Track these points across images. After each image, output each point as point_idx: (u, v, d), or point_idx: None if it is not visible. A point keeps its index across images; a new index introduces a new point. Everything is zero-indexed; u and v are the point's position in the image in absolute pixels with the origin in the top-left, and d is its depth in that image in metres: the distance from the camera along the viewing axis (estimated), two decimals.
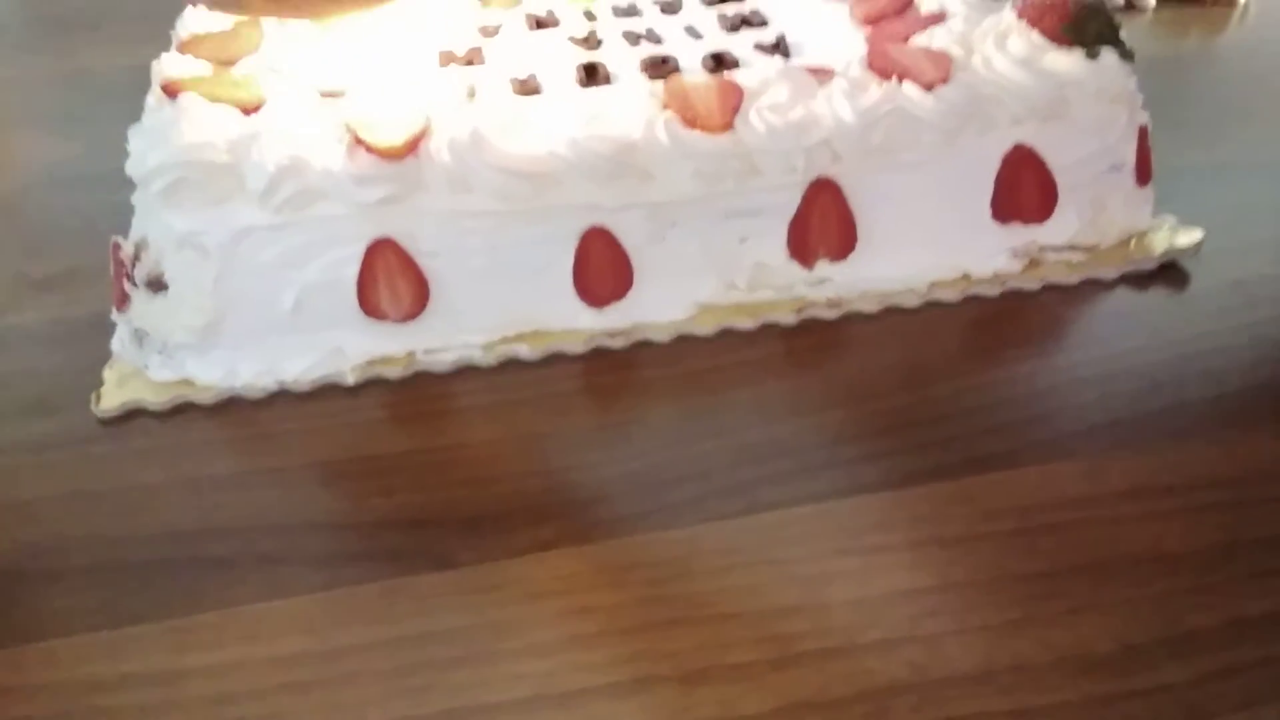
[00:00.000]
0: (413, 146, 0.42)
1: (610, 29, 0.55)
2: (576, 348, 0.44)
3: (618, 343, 0.44)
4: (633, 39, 0.54)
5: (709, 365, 0.43)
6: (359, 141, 0.42)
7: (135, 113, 0.48)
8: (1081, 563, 0.34)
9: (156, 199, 0.41)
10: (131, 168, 0.42)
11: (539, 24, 0.56)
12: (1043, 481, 0.37)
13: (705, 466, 0.38)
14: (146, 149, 0.42)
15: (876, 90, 0.44)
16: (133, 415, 0.42)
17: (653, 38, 0.54)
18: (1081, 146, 0.46)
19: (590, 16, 0.57)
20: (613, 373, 0.43)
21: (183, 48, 0.51)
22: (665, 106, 0.44)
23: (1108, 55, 0.45)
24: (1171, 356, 0.42)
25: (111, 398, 0.42)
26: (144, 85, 0.49)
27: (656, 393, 0.42)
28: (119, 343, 0.44)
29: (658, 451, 0.39)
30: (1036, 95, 0.44)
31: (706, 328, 0.45)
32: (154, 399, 0.42)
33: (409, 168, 0.42)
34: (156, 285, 0.42)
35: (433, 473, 0.39)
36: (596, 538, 0.36)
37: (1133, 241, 0.47)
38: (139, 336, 0.43)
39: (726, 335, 0.45)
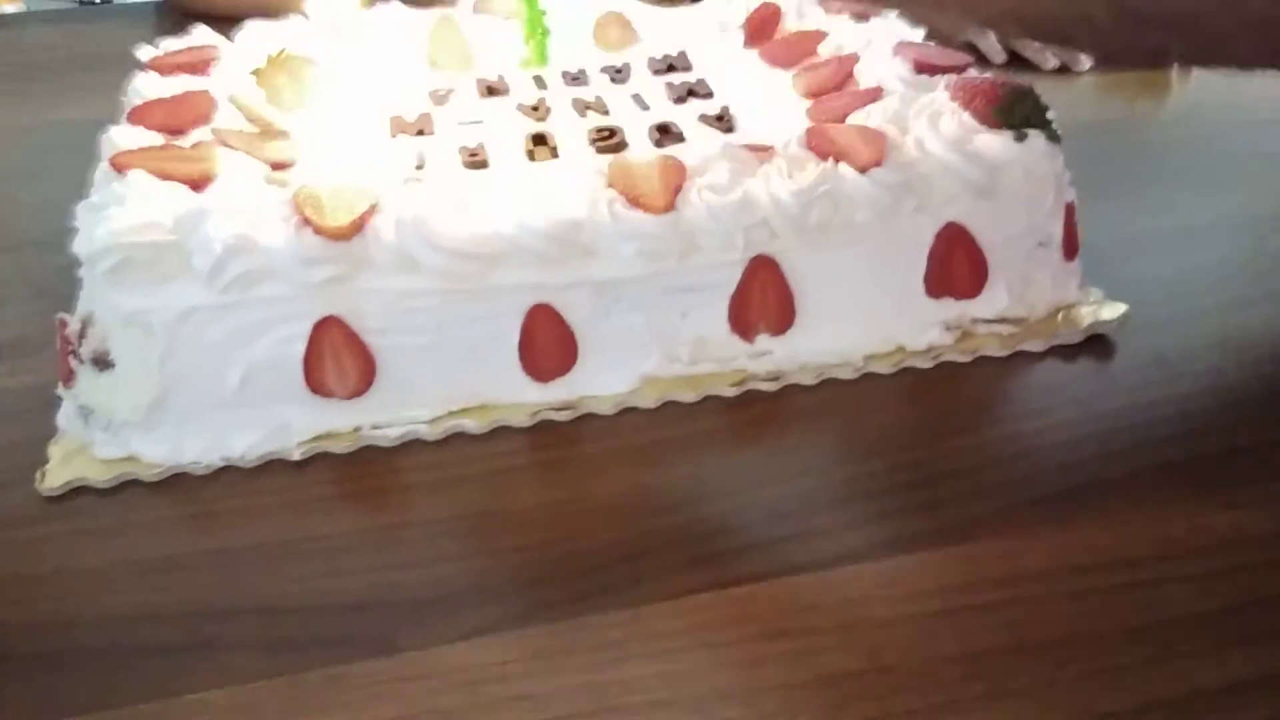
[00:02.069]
0: (359, 227, 0.42)
1: (559, 97, 0.56)
2: (522, 421, 0.45)
3: (563, 416, 0.45)
4: (581, 109, 0.55)
5: (651, 439, 0.44)
6: (306, 221, 0.42)
7: (86, 169, 0.48)
8: (1002, 645, 0.35)
9: (102, 278, 0.42)
10: (78, 246, 0.42)
11: (489, 90, 0.57)
12: (968, 560, 0.38)
13: (644, 546, 0.39)
14: (93, 227, 0.42)
15: (814, 170, 0.45)
16: (77, 493, 0.42)
17: (600, 107, 0.55)
18: (1011, 224, 0.47)
19: (540, 83, 0.58)
20: (557, 447, 0.44)
21: (133, 116, 0.51)
22: (610, 185, 0.45)
23: (1035, 137, 0.47)
24: (1095, 431, 0.44)
25: (56, 475, 0.42)
26: (95, 139, 0.49)
27: (599, 468, 0.43)
28: (64, 417, 0.44)
29: (597, 531, 0.40)
30: (967, 176, 0.46)
31: (649, 400, 0.46)
32: (98, 477, 0.42)
33: (355, 247, 0.42)
34: (102, 363, 0.42)
35: (377, 553, 0.39)
36: (535, 622, 0.36)
37: (1060, 315, 0.49)
38: (84, 413, 0.43)
39: (669, 407, 0.46)
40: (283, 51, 0.55)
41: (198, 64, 0.56)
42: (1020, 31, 0.36)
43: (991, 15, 0.35)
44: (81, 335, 0.43)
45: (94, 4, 1.67)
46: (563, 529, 0.40)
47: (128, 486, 0.42)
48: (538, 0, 0.58)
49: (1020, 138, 0.47)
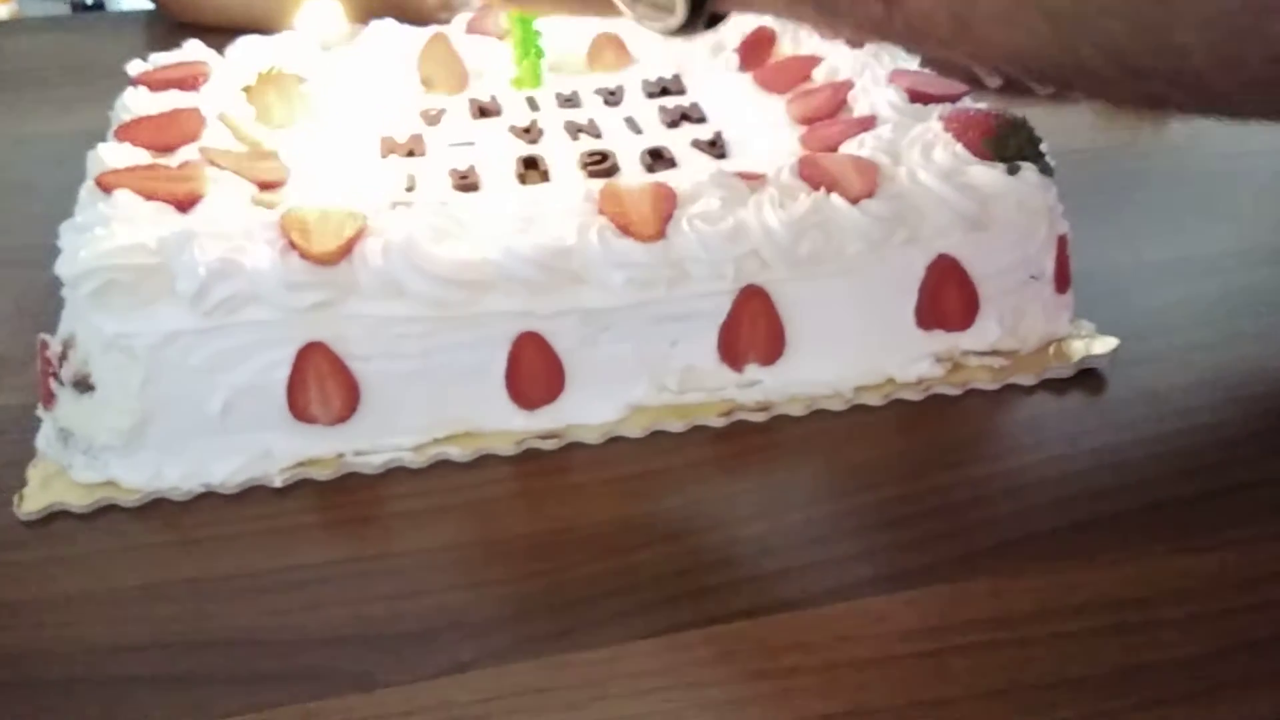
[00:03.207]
0: (346, 251, 0.42)
1: (552, 119, 0.56)
2: (507, 449, 0.44)
3: (549, 444, 0.45)
4: (573, 131, 0.55)
5: (638, 470, 0.44)
6: (292, 245, 0.42)
7: (74, 182, 0.48)
8: (988, 687, 0.35)
9: (85, 300, 0.41)
10: (61, 267, 0.42)
11: (482, 111, 0.57)
12: (955, 600, 0.38)
13: (630, 580, 0.39)
14: (77, 248, 0.42)
15: (805, 200, 0.45)
16: (55, 517, 0.41)
17: (593, 130, 0.55)
18: (1003, 257, 0.47)
19: (533, 105, 0.58)
20: (543, 476, 0.44)
21: (120, 133, 0.51)
22: (600, 211, 0.45)
23: (1028, 170, 0.47)
24: (1085, 468, 0.44)
25: (34, 500, 0.42)
26: (84, 152, 0.49)
27: (585, 499, 0.43)
28: (44, 440, 0.44)
29: (582, 564, 0.39)
30: (959, 208, 0.46)
31: (637, 429, 0.45)
32: (77, 501, 0.42)
33: (342, 272, 0.42)
34: (83, 386, 0.42)
35: (356, 585, 0.39)
36: (516, 657, 0.36)
37: (1052, 348, 0.49)
38: (64, 436, 0.43)
39: (656, 437, 0.45)
40: (273, 69, 0.55)
41: (187, 80, 0.56)
42: (1026, 77, 0.37)
43: (998, 60, 0.36)
44: (63, 357, 0.42)
45: (85, 6, 1.67)
46: (546, 561, 0.40)
47: (107, 512, 0.42)
48: (531, 20, 0.58)
49: (1013, 170, 0.47)
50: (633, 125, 0.55)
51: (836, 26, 0.39)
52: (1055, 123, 0.50)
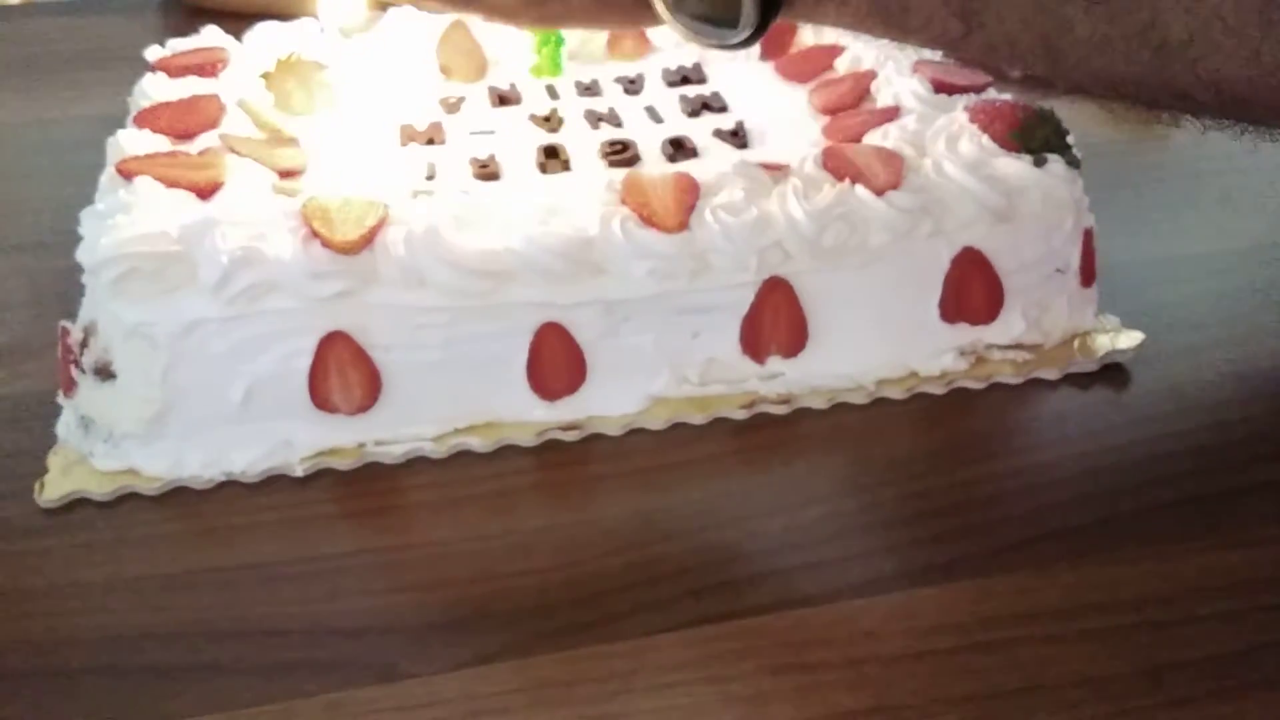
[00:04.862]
0: (368, 241, 0.42)
1: (572, 108, 0.55)
2: (528, 440, 0.44)
3: (570, 436, 0.44)
4: (593, 120, 0.54)
5: (659, 462, 0.44)
6: (314, 234, 0.42)
7: (92, 167, 0.47)
8: (1013, 685, 0.35)
9: (106, 288, 0.41)
10: (82, 254, 0.42)
11: (501, 99, 0.56)
12: (979, 597, 0.38)
13: (650, 573, 0.39)
14: (98, 235, 0.42)
15: (829, 191, 0.45)
16: (75, 505, 0.41)
17: (613, 119, 0.54)
18: (1028, 250, 0.47)
19: (553, 93, 0.57)
20: (563, 468, 0.43)
21: (140, 119, 0.51)
22: (622, 202, 0.44)
23: (1055, 162, 0.46)
24: (1109, 464, 0.43)
25: (55, 487, 0.42)
26: (102, 137, 0.49)
27: (606, 491, 0.43)
28: (64, 427, 0.44)
29: (603, 557, 0.39)
30: (985, 201, 0.45)
31: (658, 421, 0.45)
32: (98, 489, 0.42)
33: (364, 261, 0.42)
34: (104, 373, 0.42)
35: (378, 575, 0.39)
36: (539, 650, 0.36)
37: (1076, 342, 0.48)
38: (85, 423, 0.43)
39: (677, 429, 0.45)
40: (292, 55, 0.54)
41: (206, 66, 0.55)
42: (1108, 98, 0.36)
43: (1084, 83, 0.35)
44: (83, 344, 0.42)
45: None
46: (567, 554, 0.40)
47: (127, 500, 0.42)
48: None
49: (1039, 162, 0.46)
50: (653, 114, 0.55)
51: (906, 41, 0.38)
52: (1076, 115, 0.49)
